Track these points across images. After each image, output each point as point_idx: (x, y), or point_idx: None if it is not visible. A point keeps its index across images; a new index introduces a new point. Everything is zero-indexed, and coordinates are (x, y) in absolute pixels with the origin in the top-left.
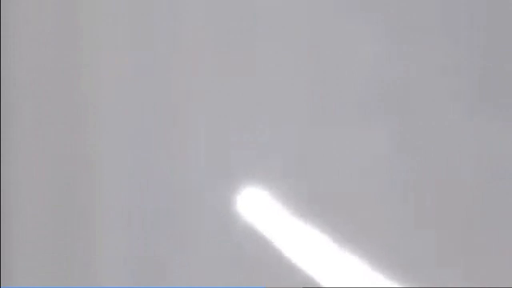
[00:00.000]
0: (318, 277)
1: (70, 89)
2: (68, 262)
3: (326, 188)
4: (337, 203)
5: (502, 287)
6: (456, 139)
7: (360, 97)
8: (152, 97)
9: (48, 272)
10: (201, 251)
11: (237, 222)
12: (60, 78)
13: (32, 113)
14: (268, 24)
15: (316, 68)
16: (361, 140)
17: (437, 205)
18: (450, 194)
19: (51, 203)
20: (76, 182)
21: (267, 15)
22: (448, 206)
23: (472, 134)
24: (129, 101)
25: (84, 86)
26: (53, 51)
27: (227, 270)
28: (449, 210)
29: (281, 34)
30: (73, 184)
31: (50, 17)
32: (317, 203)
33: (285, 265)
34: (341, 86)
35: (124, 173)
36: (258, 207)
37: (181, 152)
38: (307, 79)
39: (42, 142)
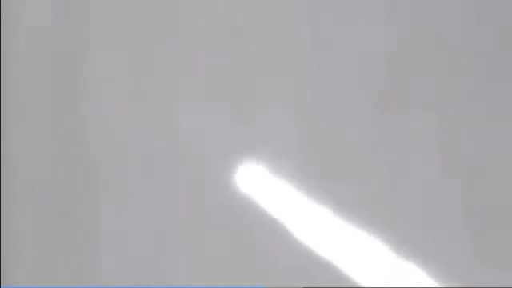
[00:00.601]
0: (321, 250)
1: (69, 88)
2: (68, 261)
3: (329, 169)
4: (339, 182)
5: (503, 287)
6: (458, 136)
7: (360, 92)
8: (152, 89)
9: (48, 272)
10: (202, 232)
11: (239, 200)
12: (60, 78)
13: (32, 112)
14: (273, 17)
15: (319, 59)
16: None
17: (437, 197)
18: (449, 190)
19: (51, 203)
20: (76, 181)
21: (271, 8)
22: (448, 202)
23: (471, 131)
24: (129, 91)
25: (84, 86)
26: (52, 51)
27: (229, 254)
28: (450, 205)
29: (285, 27)
30: (72, 183)
31: (49, 16)
32: (319, 180)
33: (290, 242)
34: (342, 81)
35: (124, 160)
36: (260, 185)
37: (182, 133)
38: (310, 69)
39: (42, 141)
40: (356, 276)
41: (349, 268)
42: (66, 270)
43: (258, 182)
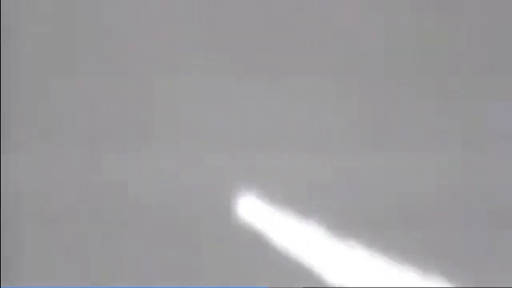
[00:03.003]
0: (319, 272)
1: (67, 89)
2: (68, 261)
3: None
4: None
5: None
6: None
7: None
8: (152, 100)
9: (48, 272)
10: (201, 252)
11: (236, 223)
12: (59, 79)
13: (32, 112)
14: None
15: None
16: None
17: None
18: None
19: (51, 202)
20: (76, 180)
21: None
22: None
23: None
24: (128, 100)
25: (83, 86)
26: (52, 50)
27: (227, 271)
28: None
29: None
30: (73, 183)
31: (48, 16)
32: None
33: (284, 263)
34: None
35: (127, 175)
36: (254, 208)
37: (182, 158)
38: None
39: (42, 141)
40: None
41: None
42: (66, 270)
43: (253, 208)
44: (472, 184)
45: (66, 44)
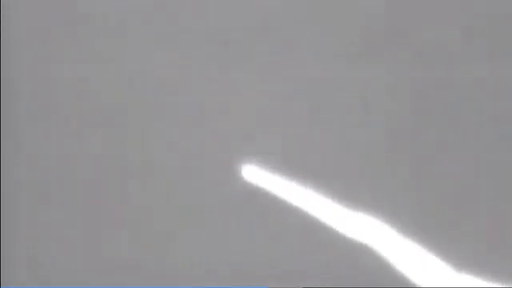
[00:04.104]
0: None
1: (68, 87)
2: (69, 262)
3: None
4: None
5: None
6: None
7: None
8: (158, 81)
9: (48, 272)
10: (204, 228)
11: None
12: (59, 78)
13: (31, 111)
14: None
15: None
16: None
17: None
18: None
19: (51, 202)
20: (78, 180)
21: None
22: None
23: None
24: (133, 92)
25: (84, 85)
26: (52, 49)
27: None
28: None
29: None
30: (74, 183)
31: (49, 15)
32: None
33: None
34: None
35: (128, 160)
36: (261, 181)
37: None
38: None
39: (43, 141)
40: (359, 275)
41: (352, 266)
42: (66, 270)
43: (259, 178)
44: None
45: (65, 40)
